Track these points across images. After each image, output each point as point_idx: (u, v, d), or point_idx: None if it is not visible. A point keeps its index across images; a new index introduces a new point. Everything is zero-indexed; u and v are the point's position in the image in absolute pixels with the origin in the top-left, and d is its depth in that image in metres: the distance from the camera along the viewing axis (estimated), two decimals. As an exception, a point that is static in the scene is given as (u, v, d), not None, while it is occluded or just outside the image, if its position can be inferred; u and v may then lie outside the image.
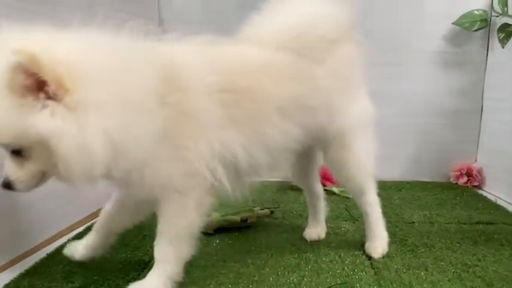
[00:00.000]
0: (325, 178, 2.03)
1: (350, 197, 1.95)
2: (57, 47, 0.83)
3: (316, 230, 1.47)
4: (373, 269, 1.24)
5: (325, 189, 1.96)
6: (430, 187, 2.15)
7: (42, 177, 0.91)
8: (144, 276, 1.08)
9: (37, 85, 0.79)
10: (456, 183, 2.20)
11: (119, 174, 0.93)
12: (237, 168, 1.07)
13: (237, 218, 1.57)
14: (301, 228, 1.49)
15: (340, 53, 1.22)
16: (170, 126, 0.96)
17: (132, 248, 1.37)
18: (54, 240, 1.43)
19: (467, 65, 2.19)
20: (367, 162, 1.30)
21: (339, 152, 1.26)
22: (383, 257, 1.32)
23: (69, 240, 1.42)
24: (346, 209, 1.81)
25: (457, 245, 1.42)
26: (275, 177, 2.10)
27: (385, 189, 2.09)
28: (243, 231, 1.54)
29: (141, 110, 0.91)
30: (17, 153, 0.87)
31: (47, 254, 1.33)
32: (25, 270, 1.22)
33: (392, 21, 2.17)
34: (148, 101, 0.92)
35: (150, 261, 1.27)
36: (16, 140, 0.84)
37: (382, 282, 1.16)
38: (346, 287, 1.14)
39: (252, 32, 1.17)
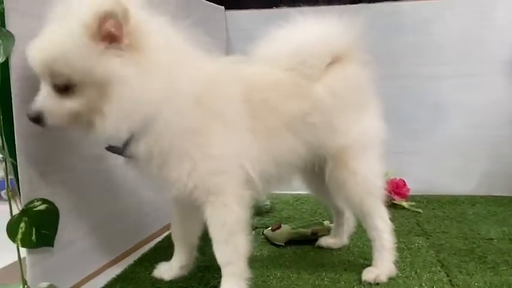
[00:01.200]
0: (395, 192, 2.01)
1: (421, 211, 1.93)
2: (146, 17, 0.95)
3: (328, 239, 1.54)
4: (453, 286, 1.22)
5: (394, 203, 1.97)
6: (506, 202, 2.04)
7: (74, 120, 0.94)
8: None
9: (116, 36, 0.89)
10: (536, 198, 2.08)
11: (141, 149, 0.99)
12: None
13: (308, 231, 1.59)
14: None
15: (340, 73, 1.25)
16: (199, 124, 1.04)
17: (209, 256, 1.43)
18: (139, 248, 1.55)
19: (544, 73, 2.08)
20: (370, 183, 1.26)
21: (338, 170, 1.25)
22: (462, 274, 1.28)
23: (150, 249, 1.54)
24: (417, 224, 1.78)
25: (542, 263, 1.35)
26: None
27: (458, 204, 2.04)
28: (314, 244, 1.56)
29: (178, 102, 1.00)
30: (62, 88, 0.91)
31: (134, 261, 1.43)
32: (117, 275, 1.32)
33: (461, 31, 2.12)
34: (187, 99, 1.01)
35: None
36: (77, 74, 0.89)
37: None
38: (426, 303, 1.13)
39: (260, 51, 1.24)
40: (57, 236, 1.13)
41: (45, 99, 0.92)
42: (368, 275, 1.26)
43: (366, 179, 1.26)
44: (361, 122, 1.27)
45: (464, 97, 2.14)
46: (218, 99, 1.08)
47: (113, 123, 0.93)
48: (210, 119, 1.05)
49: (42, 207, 1.08)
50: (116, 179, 1.42)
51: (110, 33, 0.88)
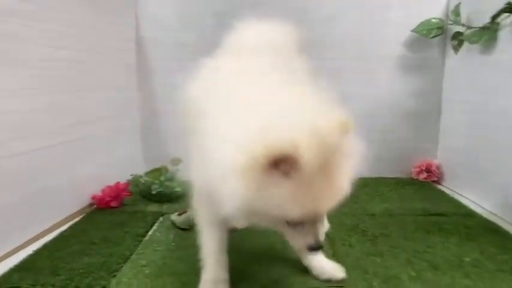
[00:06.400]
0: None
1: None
2: None
3: None
4: (335, 257, 1.37)
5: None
6: (393, 183, 2.31)
7: None
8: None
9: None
10: (417, 179, 2.37)
11: None
12: None
13: (213, 214, 1.68)
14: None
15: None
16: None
17: (114, 243, 1.47)
18: (41, 238, 1.53)
19: (426, 69, 2.35)
20: None
21: None
22: (344, 246, 1.46)
23: (52, 238, 1.53)
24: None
25: (411, 234, 1.57)
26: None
27: (354, 186, 2.25)
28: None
29: None
30: None
31: (33, 251, 1.42)
32: (14, 266, 1.31)
33: (357, 30, 2.34)
34: None
35: (131, 255, 1.38)
36: None
37: (342, 268, 1.29)
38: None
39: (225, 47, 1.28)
40: None
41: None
42: None
43: None
44: None
45: (358, 89, 2.33)
46: None
47: None
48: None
49: None
50: (12, 167, 1.39)
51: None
